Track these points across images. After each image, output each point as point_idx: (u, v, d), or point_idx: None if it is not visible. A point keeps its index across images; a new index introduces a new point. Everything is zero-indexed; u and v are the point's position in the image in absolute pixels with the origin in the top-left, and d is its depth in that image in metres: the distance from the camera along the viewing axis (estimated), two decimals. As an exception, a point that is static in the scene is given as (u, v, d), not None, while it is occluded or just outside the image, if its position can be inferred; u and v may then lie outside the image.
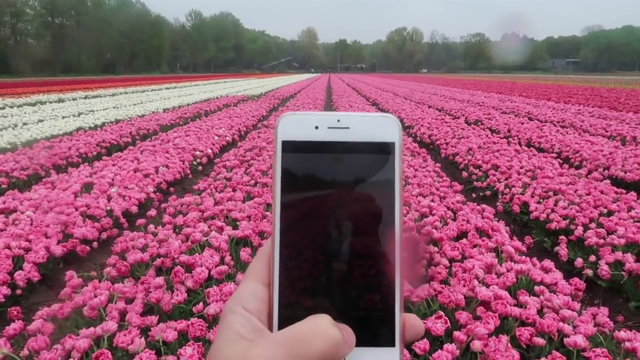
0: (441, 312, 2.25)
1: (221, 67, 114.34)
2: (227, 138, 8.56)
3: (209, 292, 2.44)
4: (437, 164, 5.92)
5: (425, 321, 2.20)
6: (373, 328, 0.36)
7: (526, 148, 7.09)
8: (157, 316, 2.30)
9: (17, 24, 72.02)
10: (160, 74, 75.72)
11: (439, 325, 2.15)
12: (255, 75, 69.38)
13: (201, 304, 2.39)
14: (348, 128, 0.37)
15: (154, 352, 1.98)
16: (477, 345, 2.04)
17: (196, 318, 2.23)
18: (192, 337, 2.09)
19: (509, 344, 2.06)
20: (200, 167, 6.62)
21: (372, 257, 0.36)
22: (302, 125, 0.37)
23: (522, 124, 9.79)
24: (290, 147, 0.37)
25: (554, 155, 6.66)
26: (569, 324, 2.19)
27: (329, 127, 0.37)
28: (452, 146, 7.40)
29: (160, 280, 2.56)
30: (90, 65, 73.84)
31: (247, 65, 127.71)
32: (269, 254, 0.37)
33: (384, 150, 0.37)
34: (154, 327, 2.15)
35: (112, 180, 5.09)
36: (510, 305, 2.36)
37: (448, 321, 2.21)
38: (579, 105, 14.59)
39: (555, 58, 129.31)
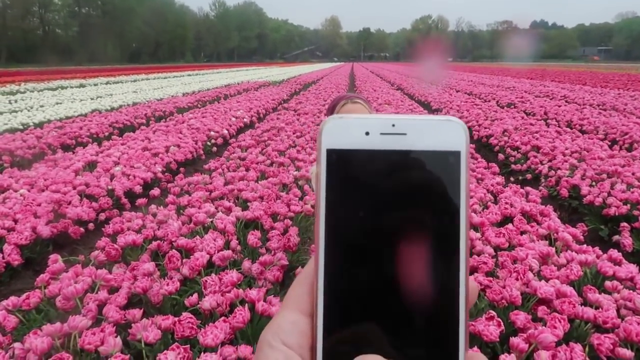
0: (492, 312, 1.79)
1: (244, 56, 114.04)
2: (245, 120, 8.15)
3: (206, 281, 2.02)
4: (471, 145, 5.40)
5: (473, 323, 1.74)
6: None
7: (568, 129, 6.49)
8: (142, 309, 1.89)
9: (45, 14, 72.86)
10: (184, 63, 75.92)
11: (491, 329, 1.69)
12: (278, 64, 68.90)
13: (195, 295, 1.97)
14: (405, 134, 0.32)
15: (130, 355, 1.57)
16: (543, 356, 1.57)
17: (188, 313, 1.82)
18: (180, 337, 1.68)
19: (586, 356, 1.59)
20: (214, 148, 6.23)
21: (433, 287, 0.31)
22: (350, 130, 0.32)
23: (559, 106, 9.13)
24: (336, 157, 0.32)
25: (600, 137, 6.05)
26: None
27: (381, 133, 0.32)
28: (485, 128, 6.84)
29: (150, 266, 2.15)
30: (116, 55, 74.32)
31: (270, 54, 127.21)
32: (312, 280, 0.32)
33: (447, 160, 0.31)
34: (136, 324, 1.75)
35: (118, 158, 4.74)
36: (579, 305, 1.88)
37: (502, 323, 1.75)
38: (617, 90, 13.73)
39: (586, 46, 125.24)
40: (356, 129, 0.32)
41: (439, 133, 0.32)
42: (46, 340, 1.56)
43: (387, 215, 0.31)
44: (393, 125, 0.32)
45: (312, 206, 3.19)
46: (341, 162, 0.32)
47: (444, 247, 0.31)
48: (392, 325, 0.31)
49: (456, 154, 0.31)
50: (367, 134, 0.32)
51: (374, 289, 0.31)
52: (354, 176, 0.32)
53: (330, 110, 1.91)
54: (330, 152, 0.32)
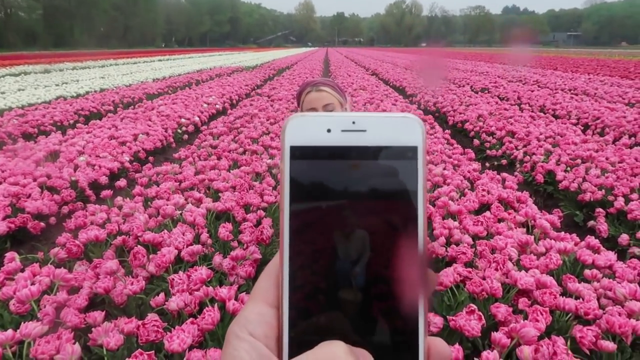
0: (473, 306, 1.73)
1: (217, 41, 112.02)
2: (217, 106, 7.95)
3: (173, 279, 1.91)
4: (447, 131, 5.36)
5: (454, 318, 1.67)
6: (394, 354, 0.32)
7: (542, 114, 6.52)
8: (104, 311, 1.77)
9: (7, -5, 69.81)
10: (155, 48, 74.00)
11: (473, 324, 1.63)
12: (251, 49, 67.91)
13: (162, 295, 1.86)
14: (365, 131, 0.33)
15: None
16: (526, 352, 1.52)
17: (154, 314, 1.71)
18: (144, 342, 1.57)
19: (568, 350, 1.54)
20: (185, 136, 6.04)
21: (392, 276, 0.32)
22: (312, 128, 0.33)
23: (532, 91, 9.19)
24: (299, 154, 0.33)
25: (573, 121, 6.09)
26: (642, 321, 1.66)
27: (342, 130, 0.33)
28: (460, 113, 6.82)
29: (113, 264, 2.02)
30: (83, 40, 71.91)
31: (243, 39, 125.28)
32: (277, 273, 0.33)
33: (405, 155, 0.33)
34: (97, 327, 1.63)
35: (83, 148, 4.53)
36: (560, 296, 1.84)
37: (482, 317, 1.70)
38: (588, 74, 13.94)
39: (556, 31, 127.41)
40: (318, 127, 0.33)
41: (397, 129, 0.33)
42: (-5, 350, 1.43)
43: (349, 209, 0.32)
44: (353, 123, 0.33)
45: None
46: (304, 158, 0.33)
47: (403, 239, 0.32)
48: (355, 314, 0.32)
49: (413, 149, 0.33)
50: (328, 131, 0.33)
51: (336, 280, 0.32)
52: (317, 171, 0.33)
53: (298, 97, 1.82)
54: (294, 149, 0.33)
